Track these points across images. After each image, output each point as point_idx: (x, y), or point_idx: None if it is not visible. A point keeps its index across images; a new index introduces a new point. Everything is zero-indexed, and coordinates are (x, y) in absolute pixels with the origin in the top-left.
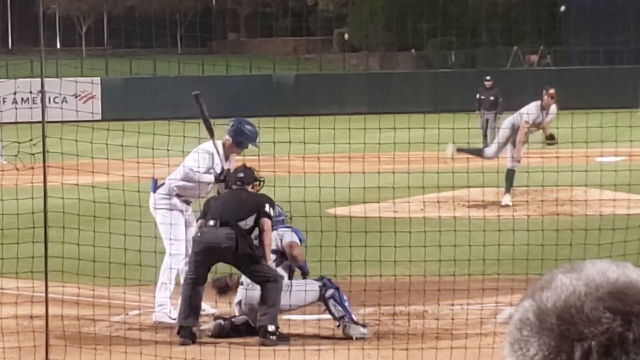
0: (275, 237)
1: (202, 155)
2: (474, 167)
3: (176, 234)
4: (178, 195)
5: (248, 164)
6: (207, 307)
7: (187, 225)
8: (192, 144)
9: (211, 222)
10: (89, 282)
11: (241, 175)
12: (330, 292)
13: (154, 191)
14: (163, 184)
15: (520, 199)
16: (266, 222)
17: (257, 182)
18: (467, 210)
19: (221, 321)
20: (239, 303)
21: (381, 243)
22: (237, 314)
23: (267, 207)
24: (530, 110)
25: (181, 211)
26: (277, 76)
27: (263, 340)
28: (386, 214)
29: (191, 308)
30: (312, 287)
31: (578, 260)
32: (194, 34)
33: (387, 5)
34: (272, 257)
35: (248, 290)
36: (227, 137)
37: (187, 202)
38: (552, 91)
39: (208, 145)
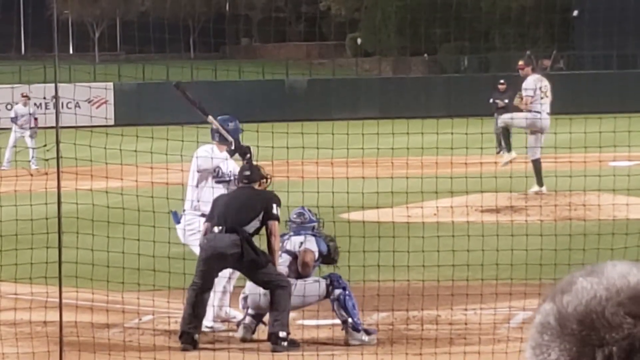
0: (297, 241)
1: (203, 159)
2: (487, 172)
3: None
4: (203, 215)
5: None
6: (237, 313)
7: None
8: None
9: (216, 229)
10: (103, 287)
11: (247, 173)
12: (336, 292)
13: (178, 222)
14: (184, 212)
15: (533, 203)
16: (274, 225)
17: (264, 180)
18: (480, 215)
19: (244, 323)
20: (245, 298)
21: (394, 248)
22: (241, 307)
23: (274, 208)
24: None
25: None
26: (290, 81)
27: (274, 346)
28: (399, 219)
29: (195, 315)
30: (317, 286)
31: (599, 262)
32: (207, 39)
33: (399, 10)
34: (287, 258)
35: (252, 286)
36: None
37: None
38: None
39: (202, 149)
